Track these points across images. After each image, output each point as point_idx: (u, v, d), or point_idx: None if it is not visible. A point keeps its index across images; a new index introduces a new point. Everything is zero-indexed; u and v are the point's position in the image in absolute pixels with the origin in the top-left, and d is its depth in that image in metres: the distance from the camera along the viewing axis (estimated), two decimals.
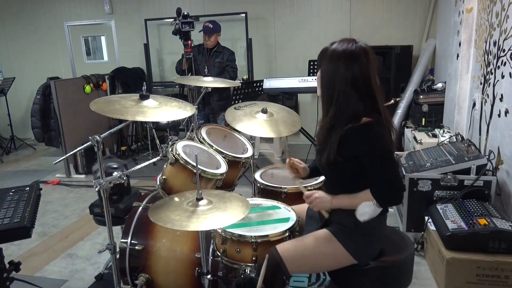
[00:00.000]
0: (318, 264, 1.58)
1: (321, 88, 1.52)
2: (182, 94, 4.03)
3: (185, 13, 3.64)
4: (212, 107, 4.02)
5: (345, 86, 1.43)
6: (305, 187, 2.10)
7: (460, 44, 3.31)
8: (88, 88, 4.86)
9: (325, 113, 1.53)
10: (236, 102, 3.83)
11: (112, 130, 1.80)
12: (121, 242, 1.98)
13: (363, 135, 1.43)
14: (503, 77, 2.51)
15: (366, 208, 1.46)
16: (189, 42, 3.60)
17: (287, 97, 4.50)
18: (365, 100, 1.45)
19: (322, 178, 2.19)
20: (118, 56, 5.62)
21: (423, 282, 2.35)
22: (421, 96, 4.03)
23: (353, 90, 1.43)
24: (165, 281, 1.96)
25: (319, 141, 1.56)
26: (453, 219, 2.23)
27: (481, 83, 2.92)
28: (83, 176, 4.64)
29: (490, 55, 2.73)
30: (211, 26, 3.96)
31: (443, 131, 3.31)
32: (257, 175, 2.31)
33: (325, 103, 1.52)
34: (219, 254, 1.73)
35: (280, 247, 1.55)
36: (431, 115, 3.88)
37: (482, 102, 2.88)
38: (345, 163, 1.47)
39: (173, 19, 3.75)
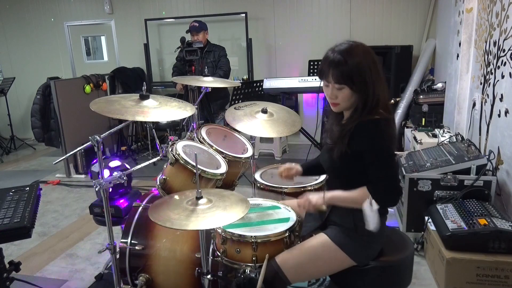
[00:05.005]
0: (318, 270, 1.59)
1: (357, 92, 1.45)
2: (186, 96, 4.05)
3: (189, 41, 3.76)
4: (211, 107, 4.03)
5: (379, 78, 1.46)
6: (305, 187, 2.11)
7: (460, 44, 3.31)
8: (88, 88, 4.86)
9: (353, 112, 1.49)
10: (236, 102, 3.83)
11: (112, 130, 1.80)
12: (121, 242, 1.98)
13: (370, 131, 1.43)
14: (503, 77, 2.51)
15: (366, 210, 1.44)
16: (193, 68, 3.66)
17: (287, 97, 4.51)
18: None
19: (321, 178, 2.20)
20: (118, 56, 5.62)
21: (423, 282, 2.35)
22: (421, 96, 4.02)
23: (383, 80, 1.48)
24: (165, 281, 1.96)
25: (333, 138, 1.54)
26: (453, 219, 2.23)
27: (481, 83, 2.92)
28: (83, 176, 4.64)
29: (490, 55, 2.73)
30: (197, 24, 4.06)
31: (443, 131, 3.31)
32: (257, 175, 2.31)
33: (360, 102, 1.47)
34: (219, 254, 1.72)
35: (279, 258, 1.55)
36: (431, 115, 3.87)
37: (482, 102, 2.88)
38: (354, 159, 1.46)
39: (177, 47, 3.91)
